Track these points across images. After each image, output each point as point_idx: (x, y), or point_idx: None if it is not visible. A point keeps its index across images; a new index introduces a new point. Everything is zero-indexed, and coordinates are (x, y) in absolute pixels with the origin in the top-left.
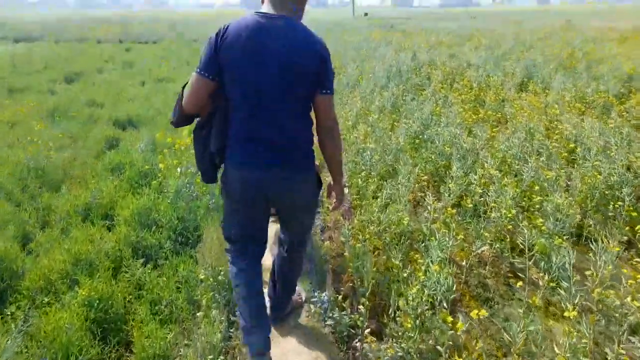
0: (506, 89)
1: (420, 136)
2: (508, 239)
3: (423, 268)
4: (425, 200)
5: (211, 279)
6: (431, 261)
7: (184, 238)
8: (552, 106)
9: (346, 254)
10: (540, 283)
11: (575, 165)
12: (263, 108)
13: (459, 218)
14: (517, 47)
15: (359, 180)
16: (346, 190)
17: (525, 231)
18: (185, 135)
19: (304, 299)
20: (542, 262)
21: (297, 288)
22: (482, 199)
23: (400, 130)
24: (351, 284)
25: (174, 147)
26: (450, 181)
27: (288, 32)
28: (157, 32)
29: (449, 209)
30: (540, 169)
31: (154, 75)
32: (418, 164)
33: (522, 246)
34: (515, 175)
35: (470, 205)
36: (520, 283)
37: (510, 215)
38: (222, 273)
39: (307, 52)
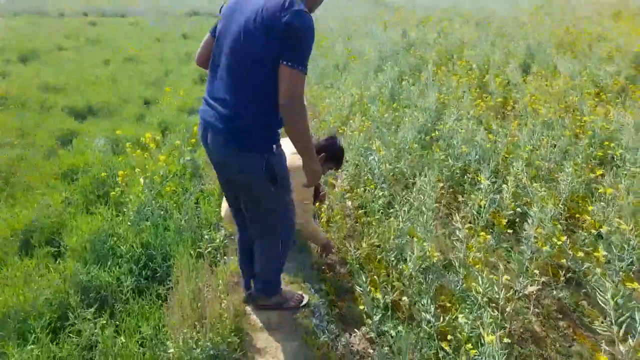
0: (509, 71)
1: (430, 132)
2: (558, 273)
3: (467, 331)
4: (444, 213)
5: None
6: (481, 325)
7: (150, 271)
8: (567, 92)
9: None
10: (620, 346)
11: (615, 169)
12: (222, 69)
13: (493, 242)
14: (508, 22)
15: (363, 189)
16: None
17: (583, 266)
18: (155, 127)
19: (305, 301)
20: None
21: (299, 292)
22: (516, 216)
23: (405, 126)
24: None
25: (138, 145)
26: (475, 192)
27: None
28: (128, 3)
29: (483, 234)
30: (579, 174)
31: (121, 53)
32: (431, 167)
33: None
34: (545, 181)
35: (505, 223)
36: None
37: (560, 242)
38: (198, 348)
39: (274, 13)
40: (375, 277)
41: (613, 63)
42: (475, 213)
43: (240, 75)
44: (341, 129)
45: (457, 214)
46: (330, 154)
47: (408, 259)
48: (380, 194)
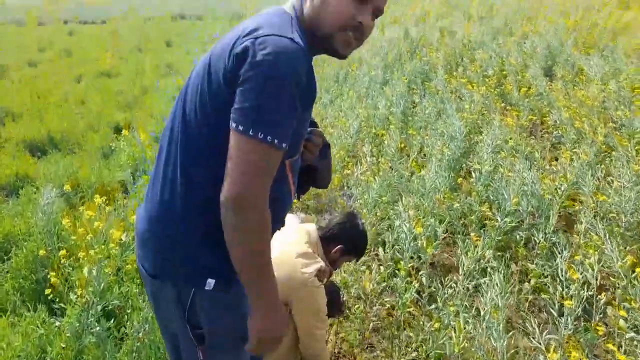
0: (530, 76)
1: (461, 171)
2: None
3: None
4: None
5: None
6: None
7: None
8: (606, 101)
9: None
10: None
11: None
12: (166, 143)
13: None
14: (513, 16)
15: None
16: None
17: None
18: (124, 164)
19: None
20: None
21: None
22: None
23: (430, 167)
24: None
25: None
26: (549, 280)
27: (235, 27)
28: (109, 7)
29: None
30: None
31: (96, 66)
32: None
33: None
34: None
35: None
36: None
37: None
38: None
39: (228, 45)
40: None
41: None
42: (556, 316)
43: (187, 147)
44: (348, 166)
45: (530, 318)
46: (349, 243)
47: None
48: (415, 282)
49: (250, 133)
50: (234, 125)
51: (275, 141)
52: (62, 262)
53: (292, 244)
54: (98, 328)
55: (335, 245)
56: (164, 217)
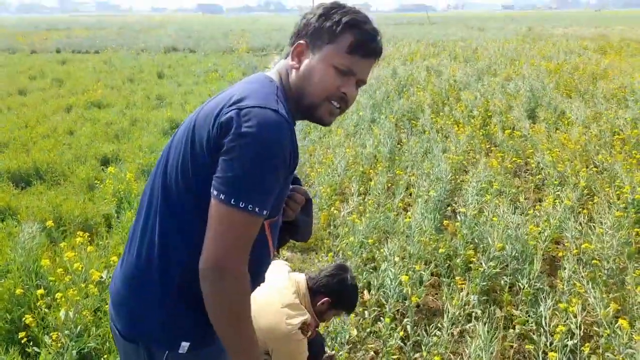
0: (514, 118)
1: (447, 211)
2: None
3: None
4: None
5: None
6: None
7: None
8: (588, 145)
9: None
10: None
11: None
12: (146, 203)
13: None
14: (497, 59)
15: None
16: None
17: None
18: (109, 199)
19: None
20: None
21: None
22: None
23: (416, 208)
24: None
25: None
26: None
27: (221, 93)
28: (102, 39)
29: None
30: None
31: (86, 97)
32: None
33: None
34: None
35: None
36: None
37: None
38: None
39: (211, 113)
40: None
41: (625, 106)
42: None
43: (150, 214)
44: (335, 204)
45: None
46: (336, 297)
47: None
48: (399, 329)
49: (232, 202)
50: (215, 192)
51: (257, 209)
52: (39, 302)
53: (280, 292)
54: None
55: (322, 298)
56: (140, 279)
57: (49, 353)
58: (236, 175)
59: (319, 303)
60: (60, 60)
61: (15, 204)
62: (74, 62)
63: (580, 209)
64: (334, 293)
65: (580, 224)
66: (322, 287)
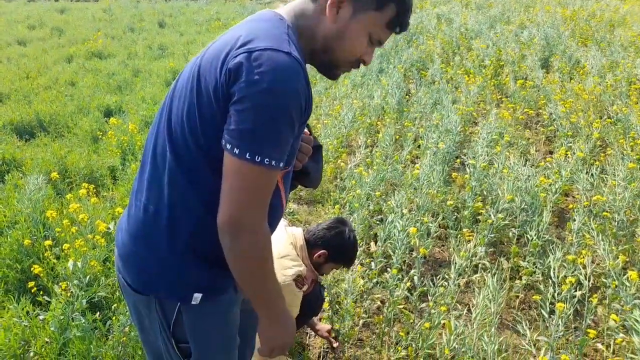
0: (527, 67)
1: (455, 164)
2: None
3: None
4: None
5: None
6: None
7: None
8: (603, 96)
9: None
10: None
11: None
12: (148, 160)
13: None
14: (511, 5)
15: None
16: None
17: None
18: (114, 150)
19: None
20: None
21: None
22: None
23: (425, 160)
24: None
25: (90, 180)
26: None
27: (226, 33)
28: None
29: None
30: None
31: (86, 47)
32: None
33: None
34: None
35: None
36: None
37: None
38: None
39: (217, 58)
40: None
41: None
42: (546, 315)
43: (174, 165)
44: (342, 157)
45: (521, 316)
46: (333, 250)
47: None
48: (406, 280)
49: (247, 157)
50: (228, 146)
51: (273, 162)
52: (46, 253)
53: (276, 244)
54: (83, 321)
55: (318, 250)
56: (149, 233)
57: (59, 302)
58: (250, 127)
59: (315, 256)
60: (59, 9)
61: (20, 156)
62: (73, 10)
63: (592, 161)
64: (330, 246)
65: (592, 175)
66: (319, 239)
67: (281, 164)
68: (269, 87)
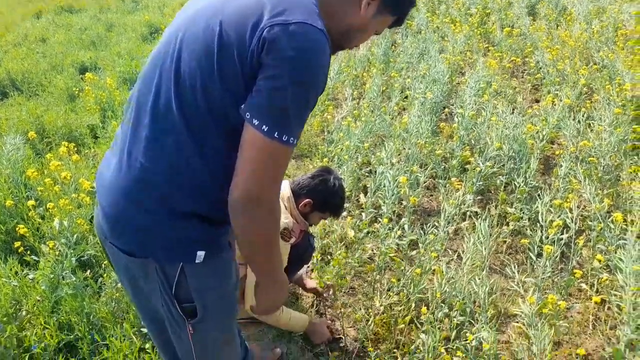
0: (513, 15)
1: (443, 114)
2: None
3: None
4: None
5: None
6: None
7: None
8: (589, 42)
9: None
10: None
11: None
12: (146, 115)
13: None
14: None
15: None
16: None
17: None
18: (92, 108)
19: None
20: None
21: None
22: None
23: (412, 110)
24: None
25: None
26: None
27: None
28: None
29: (553, 297)
30: None
31: (55, 1)
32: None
33: None
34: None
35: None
36: None
37: None
38: None
39: (247, 26)
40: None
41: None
42: (533, 258)
43: (157, 117)
44: (329, 110)
45: (509, 260)
46: (318, 198)
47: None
48: (396, 229)
49: (276, 135)
50: (256, 122)
51: (295, 141)
52: (30, 213)
53: None
54: (74, 279)
55: (304, 199)
56: (147, 194)
57: (48, 261)
58: (282, 106)
59: (300, 205)
60: None
61: None
62: None
63: (578, 108)
64: (315, 194)
65: (579, 122)
66: (304, 188)
67: (297, 142)
68: (305, 67)
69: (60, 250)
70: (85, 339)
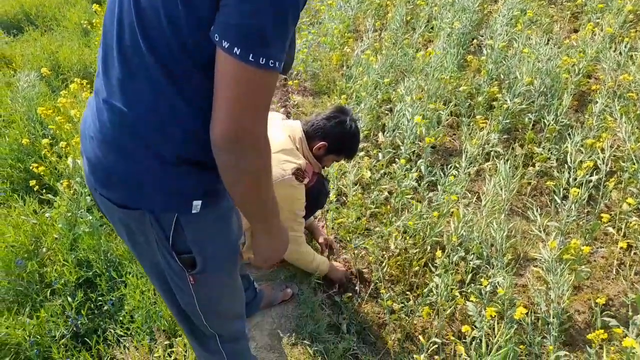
0: None
1: (471, 46)
2: None
3: None
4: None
5: None
6: None
7: (94, 307)
8: None
9: None
10: None
11: None
12: (113, 56)
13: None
14: None
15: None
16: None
17: None
18: None
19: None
20: None
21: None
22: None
23: (438, 42)
24: None
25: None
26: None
27: None
28: None
29: (576, 242)
30: None
31: None
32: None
33: None
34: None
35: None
36: None
37: None
38: None
39: None
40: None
41: None
42: (558, 201)
43: (154, 59)
44: (349, 43)
45: (533, 206)
46: (333, 141)
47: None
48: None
49: (251, 58)
50: (225, 45)
51: (277, 64)
52: (45, 151)
53: (273, 138)
54: (90, 218)
55: (318, 142)
56: (133, 144)
57: (64, 200)
58: (255, 23)
59: (315, 148)
60: None
61: (10, 53)
62: None
63: (621, 38)
64: (331, 136)
65: (620, 53)
66: (318, 130)
67: (282, 65)
68: None
69: (75, 189)
70: (103, 276)
